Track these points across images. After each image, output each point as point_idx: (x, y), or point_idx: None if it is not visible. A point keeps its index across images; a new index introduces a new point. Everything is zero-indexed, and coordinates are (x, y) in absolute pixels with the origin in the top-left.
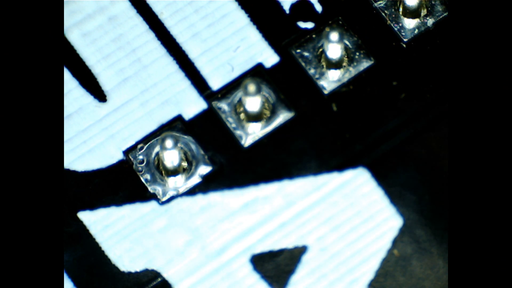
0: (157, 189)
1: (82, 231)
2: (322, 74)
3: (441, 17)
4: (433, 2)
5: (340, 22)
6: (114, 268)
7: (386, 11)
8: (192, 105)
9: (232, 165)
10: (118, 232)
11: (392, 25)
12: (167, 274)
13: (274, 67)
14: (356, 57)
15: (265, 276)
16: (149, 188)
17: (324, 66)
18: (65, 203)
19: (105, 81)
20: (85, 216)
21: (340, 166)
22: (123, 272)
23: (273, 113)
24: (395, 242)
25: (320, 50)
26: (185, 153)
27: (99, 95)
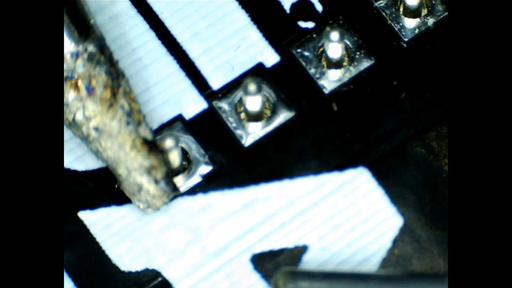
0: None
1: (83, 230)
2: (322, 74)
3: (441, 16)
4: (433, 2)
5: (341, 22)
6: (114, 268)
7: (386, 11)
8: (192, 104)
9: (232, 165)
10: (118, 232)
11: (392, 24)
12: (167, 274)
13: (275, 66)
14: (357, 56)
15: (265, 275)
16: None
17: (325, 65)
18: (66, 202)
19: None
20: (85, 216)
21: (341, 165)
22: (123, 272)
23: (274, 113)
24: (396, 241)
25: (321, 49)
26: (185, 153)
27: None
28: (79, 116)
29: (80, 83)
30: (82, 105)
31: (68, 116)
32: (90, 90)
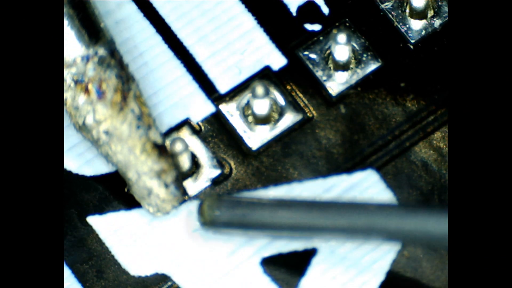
0: None
1: (92, 235)
2: (329, 76)
3: (448, 18)
4: (439, 3)
5: (347, 24)
6: (124, 272)
7: (393, 13)
8: (200, 108)
9: (240, 168)
10: (127, 236)
11: (399, 26)
12: (176, 278)
13: (282, 69)
14: (364, 59)
15: (275, 279)
16: None
17: (332, 68)
18: (74, 207)
19: None
20: (94, 220)
21: (349, 168)
22: (133, 276)
23: (281, 116)
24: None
25: (328, 52)
26: (193, 157)
27: None
28: (89, 120)
29: (90, 86)
30: (92, 109)
31: (78, 119)
32: (100, 94)
